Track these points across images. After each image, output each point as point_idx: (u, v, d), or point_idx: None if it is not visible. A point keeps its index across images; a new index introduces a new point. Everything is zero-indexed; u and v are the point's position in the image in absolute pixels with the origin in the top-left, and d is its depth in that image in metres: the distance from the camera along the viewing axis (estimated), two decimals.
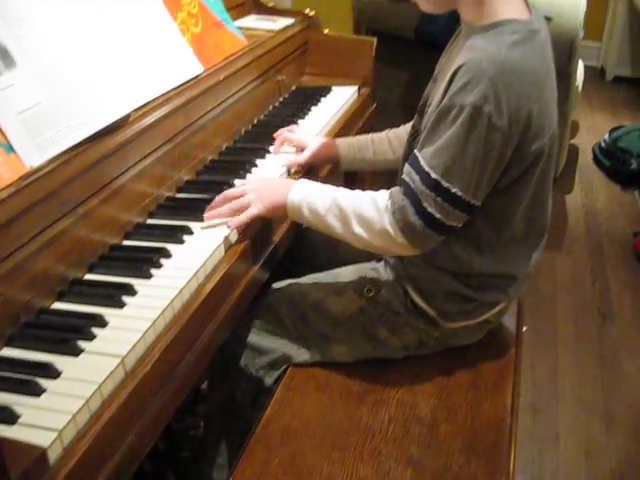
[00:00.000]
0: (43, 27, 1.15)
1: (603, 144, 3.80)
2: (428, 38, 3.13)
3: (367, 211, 1.21)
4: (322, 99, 1.95)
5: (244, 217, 1.26)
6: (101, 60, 1.23)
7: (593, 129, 4.30)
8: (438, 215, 1.15)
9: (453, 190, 1.14)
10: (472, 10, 1.21)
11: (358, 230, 1.21)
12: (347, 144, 1.58)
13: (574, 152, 3.93)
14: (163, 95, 1.36)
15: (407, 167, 1.20)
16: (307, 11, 2.14)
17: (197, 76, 1.48)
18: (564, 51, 3.02)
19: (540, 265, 2.78)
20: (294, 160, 1.54)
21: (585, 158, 3.92)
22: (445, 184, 1.14)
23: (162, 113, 1.33)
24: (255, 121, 1.78)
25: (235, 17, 1.96)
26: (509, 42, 1.13)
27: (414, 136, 1.36)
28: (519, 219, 1.26)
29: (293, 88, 2.03)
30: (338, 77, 2.11)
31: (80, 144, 1.13)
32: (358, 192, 1.26)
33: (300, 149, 1.58)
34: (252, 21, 2.00)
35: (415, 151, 1.20)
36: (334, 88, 2.04)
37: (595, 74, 5.28)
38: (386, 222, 1.19)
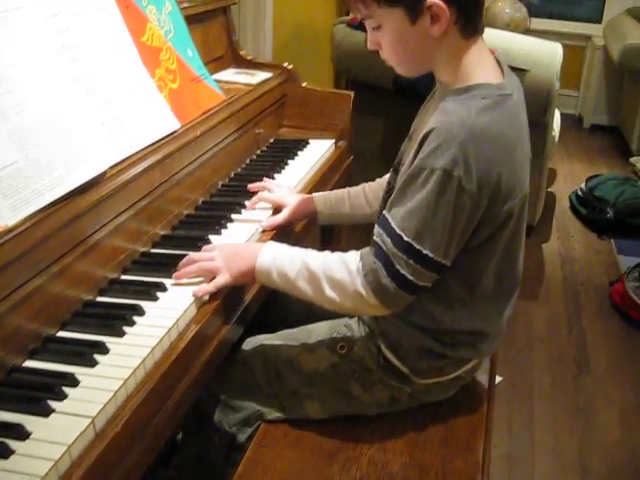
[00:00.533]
0: (19, 87, 1.16)
1: (580, 192, 3.86)
2: (406, 89, 3.18)
3: (338, 273, 1.22)
4: (299, 152, 1.98)
5: (210, 287, 1.26)
6: (77, 118, 1.24)
7: (570, 177, 4.37)
8: (410, 277, 1.17)
9: (425, 252, 1.16)
10: (447, 73, 1.24)
11: (329, 293, 1.23)
12: (324, 199, 1.60)
13: (551, 200, 3.99)
14: (139, 152, 1.38)
15: (377, 229, 1.22)
16: (286, 64, 2.19)
17: (174, 132, 1.50)
18: (540, 102, 3.07)
19: (516, 314, 2.79)
20: (272, 221, 1.54)
21: (562, 206, 3.98)
22: (417, 246, 1.16)
23: (138, 170, 1.34)
24: (232, 174, 1.80)
25: (214, 70, 2.00)
26: (480, 107, 1.16)
27: (389, 193, 1.38)
28: (489, 276, 1.28)
29: (271, 140, 2.06)
30: (316, 130, 2.14)
31: (55, 202, 1.14)
32: (327, 254, 1.27)
33: (278, 208, 1.59)
34: (231, 75, 2.03)
35: (384, 212, 1.22)
36: (311, 141, 2.07)
37: (572, 122, 5.38)
38: (358, 284, 1.20)
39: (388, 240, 1.18)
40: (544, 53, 3.25)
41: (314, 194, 1.63)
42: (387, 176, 1.58)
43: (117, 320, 1.17)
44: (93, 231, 1.22)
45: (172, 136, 1.49)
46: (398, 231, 1.17)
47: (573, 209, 3.87)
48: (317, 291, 1.24)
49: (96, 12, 1.41)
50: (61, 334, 1.15)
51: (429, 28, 1.17)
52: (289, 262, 1.26)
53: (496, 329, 1.36)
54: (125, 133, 1.35)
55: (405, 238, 1.16)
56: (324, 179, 1.91)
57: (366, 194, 1.59)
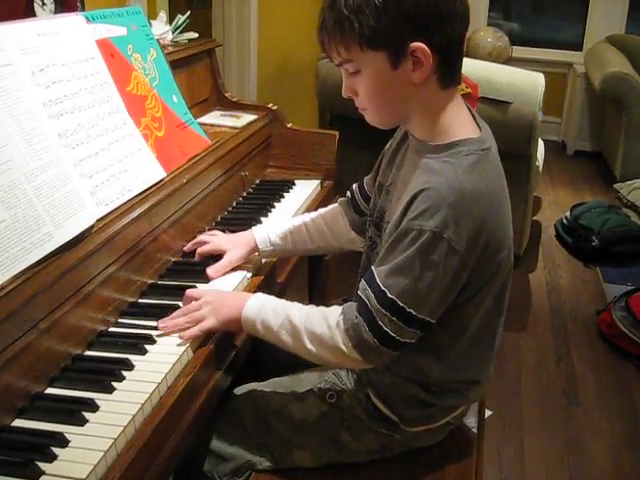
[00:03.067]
0: (6, 144, 1.17)
1: (565, 221, 3.89)
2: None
3: (318, 328, 1.23)
4: (285, 194, 1.99)
5: (196, 330, 1.27)
6: (64, 173, 1.25)
7: (555, 205, 4.41)
8: (393, 334, 1.18)
9: (409, 310, 1.16)
10: (425, 129, 1.24)
11: (309, 346, 1.24)
12: (264, 236, 1.58)
13: (537, 228, 4.01)
14: (126, 203, 1.39)
15: (363, 283, 1.22)
16: (270, 105, 2.20)
17: (160, 181, 1.51)
18: (524, 134, 3.10)
19: (504, 345, 2.81)
20: (218, 266, 1.52)
21: (548, 234, 4.01)
22: (401, 304, 1.16)
23: (125, 221, 1.35)
24: (219, 218, 1.81)
25: (199, 113, 2.01)
26: (465, 165, 1.16)
27: (371, 247, 1.39)
28: (477, 326, 1.28)
29: (257, 182, 2.07)
30: (302, 170, 2.16)
31: (43, 259, 1.15)
32: (311, 308, 1.28)
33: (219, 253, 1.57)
34: (216, 118, 2.05)
35: (372, 267, 1.22)
36: (297, 182, 2.08)
37: (556, 148, 5.44)
38: (338, 339, 1.21)
39: (372, 295, 1.19)
40: (526, 84, 3.29)
41: (253, 229, 1.61)
42: (332, 208, 1.61)
43: (106, 376, 1.17)
44: (81, 285, 1.22)
45: (158, 185, 1.50)
46: (382, 287, 1.17)
47: (559, 237, 3.90)
48: (298, 344, 1.25)
49: (82, 63, 1.42)
50: (50, 391, 1.15)
51: (410, 74, 1.17)
52: (273, 314, 1.28)
53: (484, 375, 1.36)
54: (112, 185, 1.36)
55: (389, 295, 1.17)
56: None
57: (308, 229, 1.59)
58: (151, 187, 1.48)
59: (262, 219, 1.82)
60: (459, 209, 1.13)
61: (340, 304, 1.60)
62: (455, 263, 1.15)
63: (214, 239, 1.60)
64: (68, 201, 1.22)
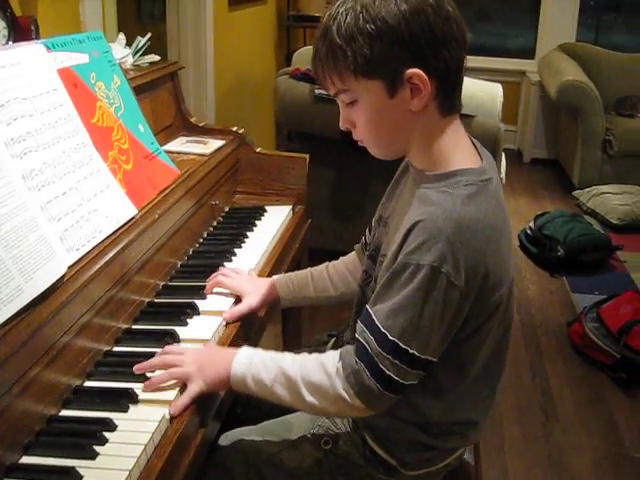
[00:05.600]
0: None
1: (529, 231, 3.89)
2: (353, 139, 3.15)
3: (316, 377, 1.16)
4: (257, 222, 1.91)
5: (186, 399, 1.17)
6: (31, 219, 1.15)
7: (517, 214, 4.41)
8: (396, 377, 1.11)
9: (411, 351, 1.10)
10: (423, 158, 1.19)
11: (309, 398, 1.16)
12: (286, 283, 1.52)
13: None
14: (97, 246, 1.29)
15: (360, 325, 1.15)
16: (235, 129, 2.12)
17: (132, 218, 1.42)
18: (489, 147, 3.03)
19: None
20: (235, 312, 1.44)
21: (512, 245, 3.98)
22: (403, 346, 1.10)
23: (98, 266, 1.25)
24: (191, 252, 1.72)
25: (164, 140, 1.92)
26: (464, 196, 1.11)
27: (367, 282, 1.32)
28: (479, 365, 1.23)
29: (226, 210, 1.99)
30: (271, 195, 2.08)
31: (13, 317, 1.05)
32: (305, 356, 1.21)
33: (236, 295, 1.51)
34: (182, 144, 1.95)
35: (368, 307, 1.16)
36: (268, 208, 2.01)
37: (513, 157, 5.47)
38: (339, 387, 1.14)
39: (371, 339, 1.12)
40: (487, 95, 3.28)
41: (275, 277, 1.55)
42: (352, 255, 1.53)
43: (87, 438, 1.07)
44: (55, 340, 1.13)
45: (130, 223, 1.41)
46: (382, 329, 1.11)
47: (523, 248, 3.89)
48: (296, 397, 1.17)
49: (44, 95, 1.32)
50: (25, 460, 1.05)
51: (408, 102, 1.13)
52: (264, 368, 1.19)
53: (484, 416, 1.31)
54: (82, 228, 1.26)
55: (390, 337, 1.10)
56: (285, 249, 1.85)
57: (330, 276, 1.52)
58: (122, 226, 1.38)
59: (236, 250, 1.74)
60: (457, 242, 1.07)
61: (326, 340, 1.55)
62: (455, 298, 1.09)
63: (236, 276, 1.53)
64: (37, 250, 1.12)
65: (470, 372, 1.23)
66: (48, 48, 1.39)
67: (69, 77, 1.41)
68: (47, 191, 1.22)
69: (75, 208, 1.27)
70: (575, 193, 4.57)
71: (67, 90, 1.39)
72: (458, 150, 1.18)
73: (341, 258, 1.55)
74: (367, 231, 1.47)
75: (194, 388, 1.19)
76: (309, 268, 1.55)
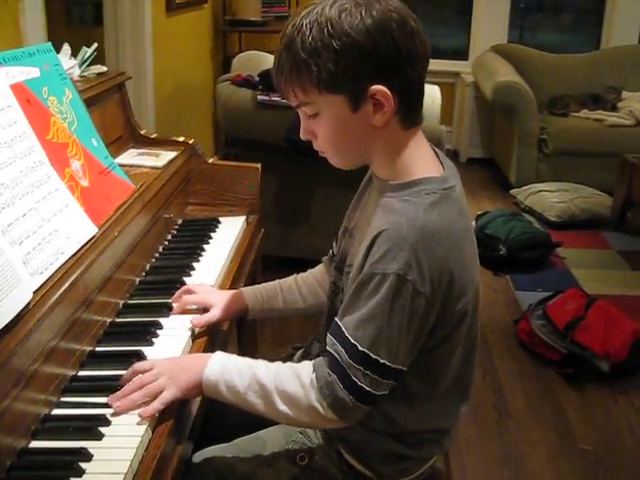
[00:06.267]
0: None
1: None
2: (297, 145, 3.15)
3: (291, 387, 1.15)
4: (213, 234, 1.88)
5: (158, 404, 1.15)
6: None
7: None
8: (368, 388, 1.12)
9: (382, 361, 1.11)
10: (386, 167, 1.20)
11: (282, 407, 1.15)
12: (254, 295, 1.51)
13: None
14: (61, 268, 1.25)
15: (330, 338, 1.15)
16: (183, 139, 2.09)
17: (92, 237, 1.38)
18: None
19: None
20: (203, 319, 1.42)
21: None
22: (374, 356, 1.10)
23: (62, 289, 1.21)
24: (148, 267, 1.68)
25: (116, 152, 1.87)
26: (426, 204, 1.12)
27: (335, 293, 1.32)
28: (448, 374, 1.24)
29: (179, 222, 1.95)
30: (224, 206, 2.06)
31: None
32: (279, 365, 1.20)
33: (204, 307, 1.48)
34: (134, 157, 1.91)
35: (336, 319, 1.16)
36: (222, 219, 1.98)
37: (449, 156, 5.48)
38: (312, 398, 1.13)
39: (342, 350, 1.12)
40: (427, 98, 3.30)
41: (243, 289, 1.54)
42: (320, 267, 1.53)
43: (62, 471, 1.03)
44: (23, 369, 1.08)
45: (91, 242, 1.37)
46: (352, 340, 1.11)
47: None
48: (269, 406, 1.16)
49: None
50: None
51: (371, 117, 1.13)
52: (238, 375, 1.18)
53: (455, 422, 1.32)
54: (44, 250, 1.22)
55: (360, 348, 1.11)
56: (243, 260, 1.83)
57: (299, 288, 1.51)
58: (83, 246, 1.34)
59: (195, 265, 1.71)
60: (421, 249, 1.08)
61: (292, 352, 1.54)
62: (421, 305, 1.10)
63: (201, 290, 1.51)
64: (3, 277, 1.07)
65: (441, 381, 1.24)
66: (0, 63, 1.34)
67: (22, 93, 1.36)
68: (7, 213, 1.17)
69: (36, 230, 1.23)
70: (513, 192, 4.67)
71: (21, 106, 1.34)
72: (420, 160, 1.19)
73: (309, 270, 1.54)
74: (334, 243, 1.47)
75: (166, 395, 1.17)
76: (277, 280, 1.53)
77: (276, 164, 3.39)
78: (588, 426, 2.57)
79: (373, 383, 1.12)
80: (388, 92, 1.10)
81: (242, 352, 2.13)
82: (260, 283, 1.56)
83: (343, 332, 1.13)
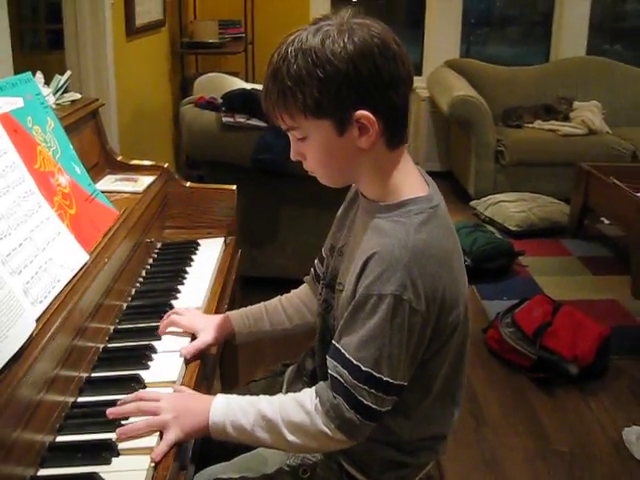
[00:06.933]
0: None
1: None
2: (265, 165, 3.18)
3: (296, 416, 1.18)
4: (194, 257, 1.90)
5: (164, 446, 1.15)
6: None
7: None
8: (374, 406, 1.15)
9: (385, 379, 1.14)
10: (375, 189, 1.23)
11: (291, 438, 1.17)
12: (241, 318, 1.52)
13: None
14: (58, 296, 1.26)
15: (330, 361, 1.19)
16: (153, 164, 2.10)
17: (84, 264, 1.39)
18: None
19: None
20: (192, 348, 1.43)
21: None
22: (377, 375, 1.14)
23: (62, 317, 1.22)
24: (133, 292, 1.69)
25: (94, 179, 1.87)
26: (416, 224, 1.16)
27: (327, 310, 1.35)
28: (441, 382, 1.28)
29: (159, 246, 1.96)
30: (201, 228, 2.07)
31: None
32: (280, 397, 1.23)
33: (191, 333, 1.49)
34: (112, 183, 1.92)
35: (334, 342, 1.19)
36: (201, 242, 2.00)
37: None
38: (319, 423, 1.16)
39: (345, 372, 1.15)
40: None
41: (229, 313, 1.55)
42: (304, 287, 1.56)
43: None
44: (30, 399, 1.09)
45: (83, 269, 1.38)
46: (355, 362, 1.14)
47: None
48: (278, 438, 1.19)
49: None
50: None
51: (356, 140, 1.17)
52: (242, 413, 1.20)
53: (449, 428, 1.36)
54: (41, 279, 1.23)
55: (364, 368, 1.14)
56: (225, 282, 1.85)
57: (285, 309, 1.53)
58: (76, 274, 1.35)
59: (179, 287, 1.72)
60: (414, 269, 1.12)
61: (282, 369, 1.56)
62: (418, 322, 1.14)
63: (189, 314, 1.52)
64: (8, 307, 1.08)
65: (433, 389, 1.28)
66: None
67: (8, 123, 1.37)
68: (5, 243, 1.18)
69: (33, 259, 1.23)
70: (472, 203, 4.75)
71: (8, 136, 1.34)
72: (407, 180, 1.23)
73: (292, 291, 1.57)
74: (317, 262, 1.50)
75: (171, 437, 1.17)
76: (262, 302, 1.55)
77: (242, 184, 3.39)
78: (562, 428, 2.64)
79: (378, 400, 1.15)
80: (372, 117, 1.14)
81: (223, 372, 2.16)
82: (239, 303, 1.57)
83: (343, 354, 1.16)
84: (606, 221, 4.48)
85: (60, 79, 1.92)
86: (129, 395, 1.24)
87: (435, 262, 1.15)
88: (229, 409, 1.20)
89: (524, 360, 2.96)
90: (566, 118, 5.07)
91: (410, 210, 1.18)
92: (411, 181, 1.23)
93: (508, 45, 6.31)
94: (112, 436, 1.17)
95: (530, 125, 5.04)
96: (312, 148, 1.20)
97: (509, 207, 4.44)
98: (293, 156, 1.25)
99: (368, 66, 1.13)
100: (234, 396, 1.25)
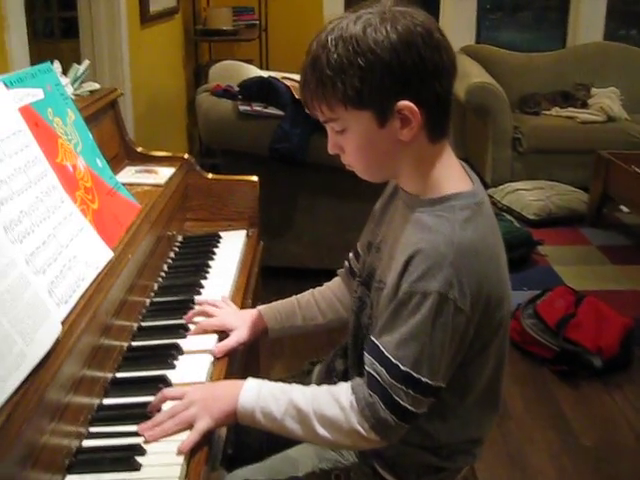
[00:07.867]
0: None
1: None
2: (283, 155, 3.14)
3: (330, 410, 1.13)
4: (216, 250, 1.85)
5: (195, 436, 1.12)
6: (21, 277, 1.06)
7: None
8: (410, 407, 1.11)
9: (424, 380, 1.10)
10: (416, 183, 1.19)
11: (321, 431, 1.13)
12: (273, 314, 1.48)
13: None
14: (83, 296, 1.22)
15: (368, 358, 1.14)
16: (184, 155, 2.06)
17: (109, 262, 1.35)
18: None
19: None
20: (225, 346, 1.39)
21: None
22: (416, 375, 1.09)
23: (87, 317, 1.18)
24: (156, 287, 1.64)
25: (114, 171, 1.83)
26: (461, 220, 1.11)
27: (361, 308, 1.30)
28: (481, 385, 1.24)
29: (180, 239, 1.92)
30: (222, 220, 2.03)
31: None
32: (315, 388, 1.19)
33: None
34: (132, 175, 1.87)
35: (373, 339, 1.14)
36: (222, 234, 1.95)
37: None
38: (354, 421, 1.12)
39: (382, 370, 1.11)
40: None
41: (260, 308, 1.51)
42: (337, 280, 1.51)
43: None
44: (59, 402, 1.05)
45: (107, 267, 1.33)
46: (394, 360, 1.10)
47: None
48: (308, 430, 1.15)
49: (10, 138, 1.22)
50: None
51: (398, 132, 1.12)
52: (273, 400, 1.16)
53: (487, 432, 1.32)
54: (66, 278, 1.18)
55: (402, 368, 1.09)
56: (249, 276, 1.80)
57: (318, 303, 1.49)
58: (101, 272, 1.31)
59: (203, 282, 1.68)
60: (460, 266, 1.08)
61: (310, 368, 1.52)
62: (462, 322, 1.10)
63: (220, 313, 1.48)
64: (33, 308, 1.04)
65: (473, 392, 1.24)
66: (6, 85, 1.30)
67: (30, 116, 1.33)
68: (29, 242, 1.13)
69: (57, 257, 1.19)
70: (489, 191, 4.68)
71: (30, 129, 1.30)
72: (450, 174, 1.18)
73: (325, 284, 1.52)
74: (352, 256, 1.45)
75: (201, 425, 1.14)
76: (294, 296, 1.51)
77: (258, 173, 3.36)
78: (586, 422, 2.60)
79: (415, 402, 1.11)
80: (415, 107, 1.10)
81: (244, 365, 2.12)
82: (261, 297, 1.53)
83: (382, 352, 1.12)
84: (625, 209, 4.42)
85: (79, 68, 1.87)
86: (155, 398, 1.21)
87: (482, 260, 1.11)
88: (260, 395, 1.17)
89: (546, 352, 2.91)
90: (584, 105, 5.00)
91: (454, 205, 1.13)
92: (454, 176, 1.18)
93: (525, 31, 6.22)
94: (140, 439, 1.13)
95: (547, 112, 4.97)
96: (351, 140, 1.16)
97: (527, 195, 4.38)
98: (331, 149, 1.21)
99: (412, 56, 1.08)
100: (266, 382, 1.21)
